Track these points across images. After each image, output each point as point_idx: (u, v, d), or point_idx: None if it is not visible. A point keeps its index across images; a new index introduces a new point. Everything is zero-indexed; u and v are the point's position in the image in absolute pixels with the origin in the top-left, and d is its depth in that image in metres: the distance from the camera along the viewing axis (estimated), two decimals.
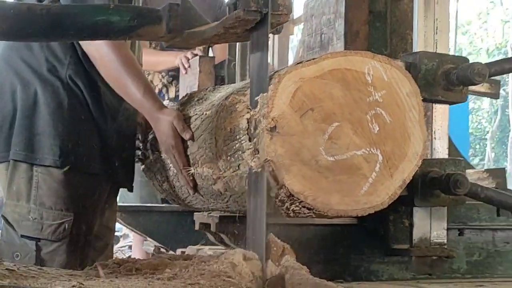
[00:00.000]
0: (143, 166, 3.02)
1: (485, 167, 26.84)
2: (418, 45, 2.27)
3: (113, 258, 1.92)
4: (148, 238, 3.70)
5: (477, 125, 29.68)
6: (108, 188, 2.84)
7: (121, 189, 3.00)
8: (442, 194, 2.18)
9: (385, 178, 1.95)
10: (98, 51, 2.56)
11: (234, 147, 2.03)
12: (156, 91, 4.46)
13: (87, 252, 2.75)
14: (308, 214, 1.91)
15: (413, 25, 2.29)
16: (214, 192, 2.29)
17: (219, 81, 3.70)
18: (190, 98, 2.56)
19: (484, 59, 30.06)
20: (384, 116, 1.96)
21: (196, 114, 2.34)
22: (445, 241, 2.25)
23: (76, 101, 2.67)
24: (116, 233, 10.02)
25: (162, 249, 3.60)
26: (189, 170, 2.37)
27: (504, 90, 25.69)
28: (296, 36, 13.56)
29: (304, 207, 1.89)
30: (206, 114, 2.25)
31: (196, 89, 3.59)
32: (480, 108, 29.69)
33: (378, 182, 1.94)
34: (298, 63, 1.93)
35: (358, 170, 1.92)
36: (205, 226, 2.42)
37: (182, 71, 4.01)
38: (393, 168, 1.96)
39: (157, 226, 3.56)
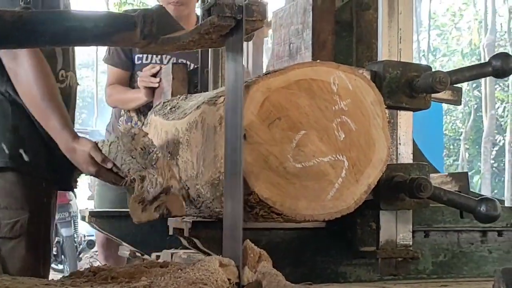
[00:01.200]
0: None
1: (459, 167, 27.05)
2: (383, 54, 2.34)
3: (89, 267, 1.95)
4: (123, 243, 3.74)
5: (451, 126, 29.88)
6: (55, 191, 3.07)
7: None
8: (406, 198, 2.26)
9: (350, 184, 2.03)
10: (22, 77, 2.71)
11: (211, 156, 2.10)
12: (134, 121, 4.47)
13: (48, 248, 2.92)
14: (276, 219, 1.99)
15: (378, 34, 2.36)
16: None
17: (193, 87, 3.73)
18: (163, 107, 2.63)
19: (458, 59, 30.31)
20: (349, 124, 2.04)
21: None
22: (411, 243, 2.32)
23: (18, 111, 2.81)
24: (90, 237, 10.01)
25: (137, 254, 3.65)
26: (124, 182, 2.46)
27: (478, 91, 25.91)
28: (270, 38, 13.64)
29: (272, 212, 1.96)
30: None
31: (169, 96, 3.64)
32: (454, 109, 29.88)
33: (344, 187, 2.02)
34: (265, 74, 2.01)
35: (324, 176, 2.00)
36: (179, 231, 2.48)
37: (155, 85, 4.03)
38: (358, 174, 2.04)
39: (132, 230, 3.60)
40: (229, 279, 1.76)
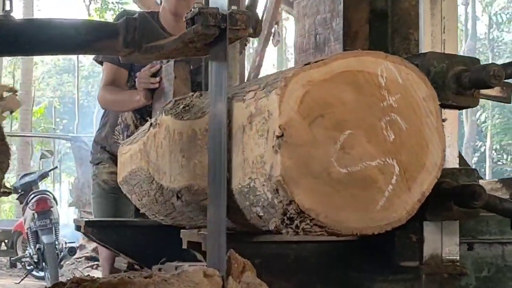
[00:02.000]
0: (120, 179, 2.82)
1: None
2: (425, 46, 2.10)
3: (72, 277, 1.82)
4: (121, 255, 3.47)
5: None
6: None
7: None
8: (454, 207, 2.00)
9: (402, 191, 1.76)
10: None
11: (238, 159, 1.84)
12: (130, 130, 4.00)
13: None
14: (320, 233, 1.72)
15: (419, 24, 2.11)
16: (206, 208, 2.09)
17: (196, 86, 3.46)
18: (175, 105, 2.35)
19: None
20: (399, 123, 1.77)
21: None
22: (458, 257, 2.07)
23: None
24: (72, 244, 9.86)
25: (136, 266, 3.39)
26: None
27: None
28: (252, 44, 13.44)
29: (315, 225, 1.69)
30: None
31: (171, 97, 3.36)
32: None
33: (395, 196, 1.76)
34: (305, 65, 1.74)
35: (373, 183, 1.73)
36: (194, 244, 2.21)
37: (155, 86, 3.69)
38: (410, 180, 1.77)
39: (131, 241, 3.33)
40: None
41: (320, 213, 1.68)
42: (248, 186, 1.79)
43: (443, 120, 1.89)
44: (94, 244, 12.37)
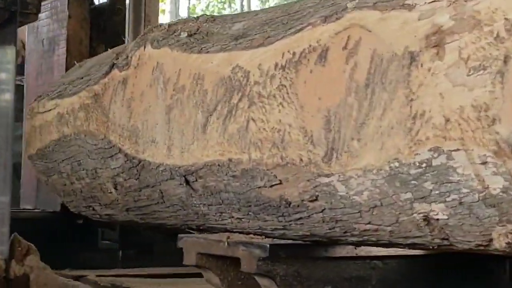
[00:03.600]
0: (32, 152, 1.90)
1: None
2: None
3: None
4: None
5: None
6: None
7: None
8: None
9: None
10: None
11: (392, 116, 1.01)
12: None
13: None
14: None
15: None
16: (265, 201, 1.24)
17: (99, 31, 2.61)
18: (169, 33, 1.47)
19: None
20: None
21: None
22: None
23: None
24: None
25: None
26: None
27: None
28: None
29: None
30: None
31: (63, 41, 2.50)
32: None
33: None
34: None
35: None
36: (218, 260, 1.34)
37: None
38: None
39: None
40: None
41: None
42: (422, 164, 0.97)
43: None
44: None
